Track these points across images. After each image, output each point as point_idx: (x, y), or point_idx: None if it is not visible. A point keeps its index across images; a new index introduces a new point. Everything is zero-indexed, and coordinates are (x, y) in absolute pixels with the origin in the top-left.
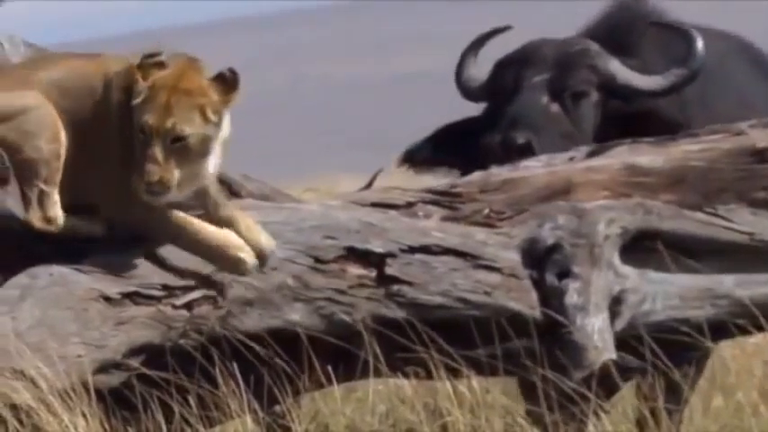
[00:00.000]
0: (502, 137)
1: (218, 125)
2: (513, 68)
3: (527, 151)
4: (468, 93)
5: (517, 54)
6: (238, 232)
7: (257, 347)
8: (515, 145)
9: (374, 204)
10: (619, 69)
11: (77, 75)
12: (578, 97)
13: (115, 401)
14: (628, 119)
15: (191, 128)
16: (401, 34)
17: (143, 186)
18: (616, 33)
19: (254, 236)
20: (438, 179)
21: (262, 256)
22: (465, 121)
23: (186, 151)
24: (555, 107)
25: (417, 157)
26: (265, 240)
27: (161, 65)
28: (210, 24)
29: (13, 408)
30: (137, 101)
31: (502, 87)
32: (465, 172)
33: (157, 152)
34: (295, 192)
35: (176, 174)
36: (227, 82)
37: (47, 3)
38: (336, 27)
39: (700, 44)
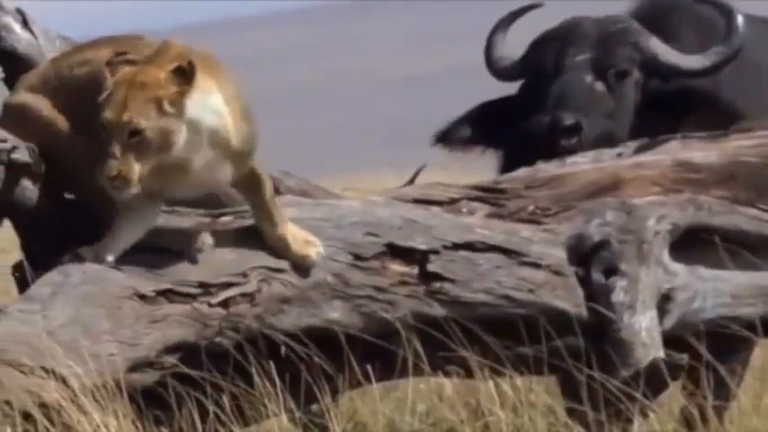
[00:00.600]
0: (550, 118)
1: (179, 116)
2: (553, 46)
3: (576, 132)
4: (499, 72)
5: (556, 31)
6: (287, 247)
7: (295, 346)
8: (564, 126)
9: (416, 201)
10: (660, 48)
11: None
12: (621, 76)
13: (148, 401)
14: (666, 98)
15: (146, 121)
16: (439, 30)
17: (107, 182)
18: (654, 20)
19: (301, 249)
20: (470, 159)
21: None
22: (501, 101)
23: (145, 144)
24: (599, 86)
25: (452, 137)
26: (314, 254)
27: (131, 62)
28: (233, 21)
29: (44, 407)
30: (101, 98)
31: (541, 66)
32: (503, 152)
33: (116, 147)
34: (335, 189)
35: (136, 167)
36: (185, 74)
37: (47, 3)
38: (373, 22)
39: (740, 21)
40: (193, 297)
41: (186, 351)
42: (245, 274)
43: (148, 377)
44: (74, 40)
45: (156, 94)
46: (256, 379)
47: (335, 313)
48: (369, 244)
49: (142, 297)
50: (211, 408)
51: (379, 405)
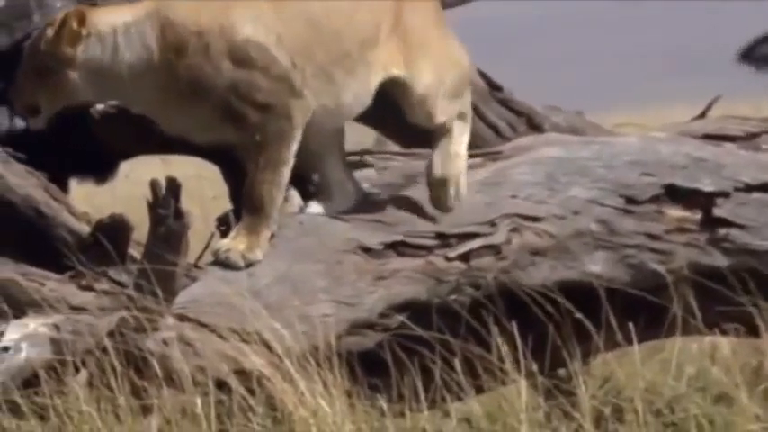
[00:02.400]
0: None
1: (60, 61)
2: None
3: None
4: None
5: None
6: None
7: (543, 303)
8: None
9: (707, 136)
10: None
11: None
12: None
13: (363, 366)
14: None
15: (33, 57)
16: None
17: None
18: None
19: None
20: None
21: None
22: None
23: (34, 75)
24: None
25: (756, 54)
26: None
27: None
28: None
29: (242, 374)
30: None
31: None
32: None
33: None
34: (611, 123)
35: (26, 91)
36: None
37: None
38: None
39: None
40: (428, 249)
41: (414, 310)
42: (492, 223)
43: (367, 340)
44: None
45: (45, 33)
46: (494, 340)
47: (596, 266)
48: (644, 185)
49: (367, 251)
50: (438, 373)
51: (639, 368)
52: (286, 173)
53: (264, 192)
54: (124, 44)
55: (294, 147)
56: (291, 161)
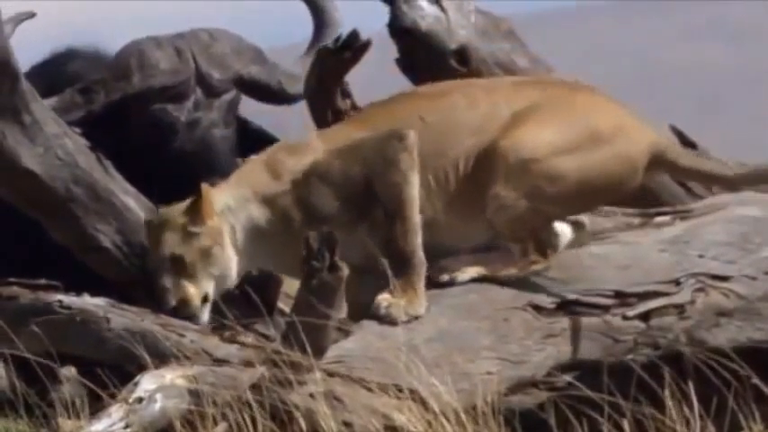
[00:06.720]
0: None
1: (205, 234)
2: None
3: None
4: None
5: None
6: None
7: (727, 364)
8: None
9: None
10: None
11: None
12: None
13: (523, 425)
14: None
15: (179, 248)
16: None
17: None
18: None
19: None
20: None
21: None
22: None
23: (186, 264)
24: None
25: None
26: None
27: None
28: None
29: (392, 430)
30: None
31: None
32: None
33: (166, 281)
34: None
35: (191, 289)
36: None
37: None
38: None
39: None
40: (605, 309)
41: (583, 369)
42: (677, 282)
43: (531, 399)
44: (494, 15)
45: (179, 222)
46: (669, 402)
47: None
48: None
49: (538, 308)
50: None
51: None
52: (413, 215)
53: (401, 244)
54: (232, 224)
55: (409, 190)
56: (413, 201)
